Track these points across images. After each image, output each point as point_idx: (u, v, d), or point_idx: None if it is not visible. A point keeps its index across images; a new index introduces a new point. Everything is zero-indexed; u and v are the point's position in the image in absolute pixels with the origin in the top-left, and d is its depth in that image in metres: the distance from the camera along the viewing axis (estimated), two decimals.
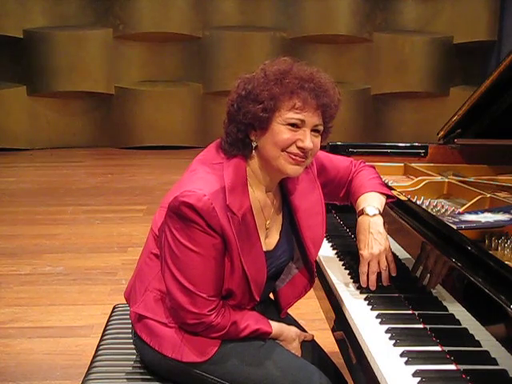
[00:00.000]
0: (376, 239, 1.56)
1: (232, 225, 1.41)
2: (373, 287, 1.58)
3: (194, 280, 1.42)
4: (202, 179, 1.44)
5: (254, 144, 1.46)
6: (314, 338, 1.74)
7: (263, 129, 1.44)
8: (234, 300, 1.50)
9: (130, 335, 1.64)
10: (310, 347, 1.69)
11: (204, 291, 1.43)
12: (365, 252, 1.56)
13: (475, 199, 1.80)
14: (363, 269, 1.57)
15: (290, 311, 1.71)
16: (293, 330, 1.63)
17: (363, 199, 1.65)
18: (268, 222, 1.56)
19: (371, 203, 1.62)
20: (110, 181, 5.65)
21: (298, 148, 1.43)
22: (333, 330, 1.66)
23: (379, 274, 1.58)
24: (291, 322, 1.71)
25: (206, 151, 1.54)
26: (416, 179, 2.08)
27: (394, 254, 1.61)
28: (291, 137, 1.42)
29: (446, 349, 1.31)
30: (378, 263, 1.56)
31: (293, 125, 1.42)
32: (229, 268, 1.45)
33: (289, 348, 1.60)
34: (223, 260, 1.45)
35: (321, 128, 1.47)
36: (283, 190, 1.61)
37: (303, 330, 1.72)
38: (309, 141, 1.43)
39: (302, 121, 1.42)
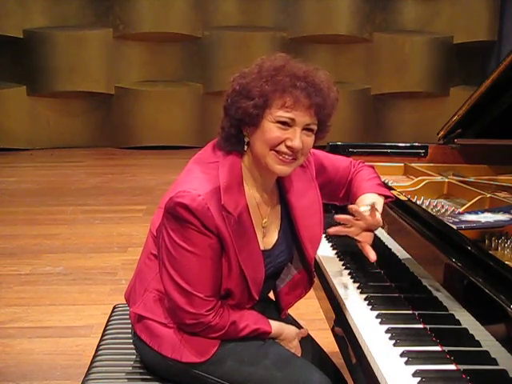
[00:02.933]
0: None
1: (228, 224, 1.41)
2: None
3: (191, 280, 1.42)
4: (196, 179, 1.44)
5: (246, 139, 1.46)
6: (314, 339, 1.75)
7: (254, 125, 1.43)
8: (233, 299, 1.50)
9: (130, 335, 1.64)
10: (310, 347, 1.69)
11: (201, 291, 1.43)
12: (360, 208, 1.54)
13: (475, 199, 1.80)
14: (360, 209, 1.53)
15: (290, 311, 1.71)
16: (292, 328, 1.63)
17: (361, 200, 1.65)
18: (265, 220, 1.55)
19: (369, 204, 1.62)
20: (109, 181, 5.65)
21: (287, 147, 1.41)
22: (333, 330, 1.67)
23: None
24: (291, 322, 1.71)
25: (203, 150, 1.54)
26: (416, 179, 2.08)
27: (393, 254, 1.61)
28: (280, 135, 1.40)
29: (446, 349, 1.31)
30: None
31: (283, 123, 1.40)
32: (226, 267, 1.45)
33: (289, 347, 1.60)
34: (220, 260, 1.44)
35: (314, 127, 1.44)
36: (281, 189, 1.61)
37: (301, 328, 1.72)
38: (298, 140, 1.40)
39: (293, 119, 1.40)
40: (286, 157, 1.42)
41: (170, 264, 1.44)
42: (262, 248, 1.53)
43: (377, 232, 1.62)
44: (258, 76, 1.41)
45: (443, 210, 1.81)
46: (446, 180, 2.08)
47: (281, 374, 1.49)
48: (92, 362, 1.66)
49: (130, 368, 1.62)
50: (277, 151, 1.42)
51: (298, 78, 1.40)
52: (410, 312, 1.49)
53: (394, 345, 1.34)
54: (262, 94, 1.39)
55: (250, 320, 1.51)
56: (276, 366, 1.50)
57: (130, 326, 1.62)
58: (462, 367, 1.24)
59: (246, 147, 1.47)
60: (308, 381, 1.49)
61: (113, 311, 1.92)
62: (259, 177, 1.51)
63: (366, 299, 1.57)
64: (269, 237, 1.58)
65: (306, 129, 1.43)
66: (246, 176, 1.49)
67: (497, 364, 1.19)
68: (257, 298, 1.51)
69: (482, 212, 1.69)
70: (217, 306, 1.46)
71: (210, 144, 1.54)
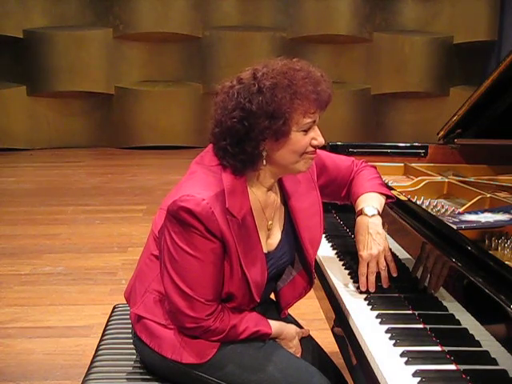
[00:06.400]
0: (375, 240, 1.55)
1: (231, 228, 1.40)
2: (372, 288, 1.57)
3: (192, 284, 1.42)
4: (200, 182, 1.43)
5: (264, 153, 1.43)
6: (315, 339, 1.75)
7: (280, 139, 1.41)
8: (234, 302, 1.50)
9: (130, 335, 1.64)
10: (310, 348, 1.69)
11: (202, 296, 1.42)
12: (364, 253, 1.56)
13: (475, 199, 1.80)
14: (362, 270, 1.56)
15: (290, 311, 1.71)
16: (292, 327, 1.63)
17: (362, 200, 1.65)
18: (270, 222, 1.55)
19: (370, 203, 1.62)
20: (110, 181, 5.65)
21: (313, 146, 1.45)
22: (333, 330, 1.67)
23: (378, 275, 1.57)
24: (291, 321, 1.71)
25: (205, 153, 1.53)
26: (416, 179, 2.08)
27: (393, 254, 1.61)
28: (308, 140, 1.43)
29: (446, 349, 1.31)
30: (377, 264, 1.56)
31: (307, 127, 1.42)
32: (228, 271, 1.45)
33: (289, 346, 1.60)
34: (222, 264, 1.44)
35: None
36: (282, 191, 1.61)
37: (301, 327, 1.72)
38: (321, 137, 1.45)
39: (314, 121, 1.43)
40: (312, 154, 1.47)
41: (172, 267, 1.43)
42: (265, 251, 1.53)
43: None
44: (275, 92, 1.37)
45: (443, 210, 1.81)
46: (446, 180, 2.08)
47: (281, 376, 1.49)
48: (92, 362, 1.66)
49: (130, 368, 1.62)
50: (305, 154, 1.45)
51: (316, 83, 1.40)
52: (410, 312, 1.49)
53: (394, 345, 1.34)
54: (291, 110, 1.37)
55: (250, 322, 1.51)
56: (276, 367, 1.50)
57: (130, 326, 1.62)
58: (461, 367, 1.24)
59: (264, 162, 1.45)
60: (308, 382, 1.49)
61: (113, 311, 1.92)
62: (269, 181, 1.51)
63: (366, 299, 1.57)
64: (272, 238, 1.58)
65: None
66: (250, 179, 1.49)
67: (497, 364, 1.19)
68: (258, 301, 1.51)
69: (482, 212, 1.69)
70: (217, 311, 1.46)
71: (211, 146, 1.53)
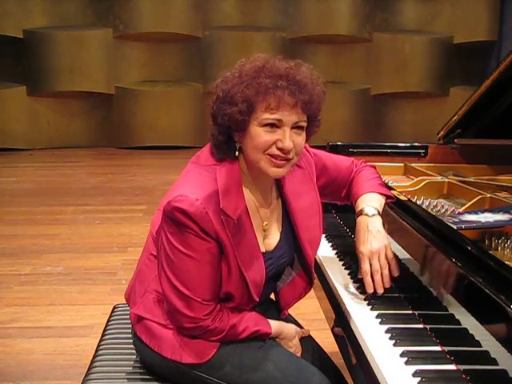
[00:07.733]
0: (375, 236, 1.53)
1: (226, 228, 1.40)
2: (380, 289, 1.51)
3: (189, 284, 1.42)
4: (195, 182, 1.43)
5: (237, 145, 1.44)
6: (315, 339, 1.75)
7: (242, 131, 1.41)
8: (233, 302, 1.50)
9: (130, 335, 1.64)
10: (310, 347, 1.69)
11: (199, 295, 1.42)
12: (364, 248, 1.53)
13: (475, 199, 1.80)
14: (365, 267, 1.51)
15: (290, 311, 1.71)
16: (292, 327, 1.63)
17: (362, 200, 1.64)
18: (266, 223, 1.55)
19: (370, 204, 1.62)
20: (109, 181, 5.65)
21: (278, 149, 1.39)
22: (333, 331, 1.67)
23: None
24: (291, 321, 1.71)
25: (201, 152, 1.53)
26: (416, 179, 2.08)
27: (394, 254, 1.60)
28: (269, 138, 1.38)
29: (446, 349, 1.31)
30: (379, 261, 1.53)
31: (271, 125, 1.38)
32: (226, 271, 1.45)
33: (289, 346, 1.60)
34: (219, 264, 1.44)
35: (303, 124, 1.41)
36: (280, 191, 1.60)
37: (301, 327, 1.72)
38: (288, 140, 1.38)
39: (279, 120, 1.37)
40: (279, 159, 1.40)
41: (169, 267, 1.43)
42: (263, 250, 1.52)
43: None
44: (239, 80, 1.40)
45: (443, 210, 1.81)
46: (446, 180, 2.08)
47: (281, 376, 1.49)
48: (92, 362, 1.66)
49: (130, 368, 1.62)
50: (269, 154, 1.40)
51: (278, 77, 1.37)
52: (410, 312, 1.50)
53: (394, 345, 1.34)
54: (244, 99, 1.37)
55: (249, 322, 1.51)
56: (276, 367, 1.50)
57: (130, 326, 1.62)
58: (461, 367, 1.24)
59: (237, 153, 1.45)
60: (308, 382, 1.49)
61: (113, 311, 1.92)
62: (257, 179, 1.50)
63: (365, 299, 1.57)
64: (271, 238, 1.57)
65: (296, 127, 1.40)
66: (244, 179, 1.48)
67: (497, 364, 1.19)
68: (257, 300, 1.51)
69: (482, 212, 1.69)
70: (215, 310, 1.46)
71: (208, 146, 1.53)
